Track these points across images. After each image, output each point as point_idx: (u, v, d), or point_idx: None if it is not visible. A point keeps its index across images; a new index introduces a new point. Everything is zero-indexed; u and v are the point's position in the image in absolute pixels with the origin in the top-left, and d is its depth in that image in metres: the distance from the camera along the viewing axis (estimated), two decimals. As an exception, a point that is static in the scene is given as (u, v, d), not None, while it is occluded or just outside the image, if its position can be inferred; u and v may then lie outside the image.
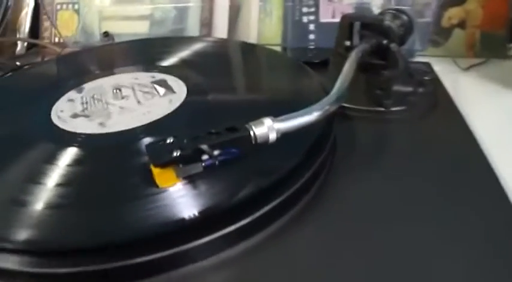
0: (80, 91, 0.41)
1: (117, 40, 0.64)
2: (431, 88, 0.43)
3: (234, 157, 0.27)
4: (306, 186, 0.30)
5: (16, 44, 0.70)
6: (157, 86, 0.40)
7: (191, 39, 0.53)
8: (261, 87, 0.40)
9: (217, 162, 0.26)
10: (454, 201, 0.30)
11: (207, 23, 0.67)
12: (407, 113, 0.40)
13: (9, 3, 0.70)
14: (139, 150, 0.31)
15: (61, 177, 0.30)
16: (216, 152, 0.26)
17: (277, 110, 0.29)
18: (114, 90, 0.39)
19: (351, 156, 0.35)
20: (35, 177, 0.30)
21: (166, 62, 0.44)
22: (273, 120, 0.28)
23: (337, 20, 0.43)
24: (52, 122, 0.36)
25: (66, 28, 0.72)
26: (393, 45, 0.40)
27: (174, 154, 0.25)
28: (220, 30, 0.67)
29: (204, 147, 0.25)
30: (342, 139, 0.36)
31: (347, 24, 0.43)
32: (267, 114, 0.28)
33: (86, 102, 0.39)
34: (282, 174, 0.29)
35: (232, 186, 0.28)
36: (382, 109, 0.40)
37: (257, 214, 0.27)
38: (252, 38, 0.66)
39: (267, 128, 0.27)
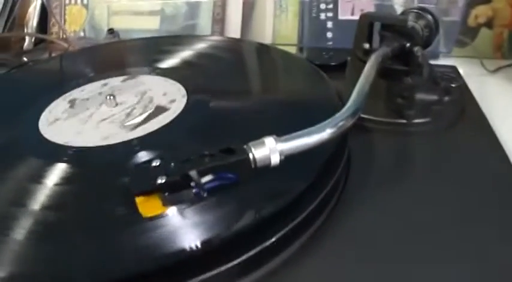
0: (73, 95, 0.38)
1: (126, 36, 0.61)
2: (458, 96, 0.39)
3: (231, 183, 0.23)
4: (317, 210, 0.27)
5: (24, 39, 0.68)
6: (156, 93, 0.36)
7: (198, 39, 0.50)
8: (269, 96, 0.36)
9: (204, 194, 0.22)
10: (484, 231, 0.26)
11: (219, 19, 0.63)
12: (432, 125, 0.36)
13: (17, -2, 0.68)
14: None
15: (47, 199, 0.27)
16: (206, 179, 0.23)
17: (285, 124, 0.26)
18: (108, 97, 0.35)
19: (367, 174, 0.31)
20: (17, 199, 0.27)
21: (168, 64, 0.41)
22: (276, 140, 0.24)
23: (357, 17, 0.40)
24: (39, 131, 0.34)
25: (75, 23, 0.69)
26: (417, 49, 0.36)
27: (159, 181, 0.22)
28: (234, 27, 0.63)
29: (193, 173, 0.22)
30: (357, 154, 0.32)
31: (366, 24, 0.39)
32: (273, 129, 0.25)
33: (77, 109, 0.36)
34: (289, 201, 0.25)
35: (231, 215, 0.24)
36: (404, 121, 0.36)
37: (259, 248, 0.24)
38: (267, 36, 0.62)
39: (268, 150, 0.24)
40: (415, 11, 0.41)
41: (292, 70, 0.40)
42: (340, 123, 0.26)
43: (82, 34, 0.68)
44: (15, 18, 0.69)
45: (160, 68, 0.40)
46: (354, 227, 0.27)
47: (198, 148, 0.28)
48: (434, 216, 0.28)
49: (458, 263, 0.25)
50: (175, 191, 0.22)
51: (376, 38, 0.39)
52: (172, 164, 0.23)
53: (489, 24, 0.56)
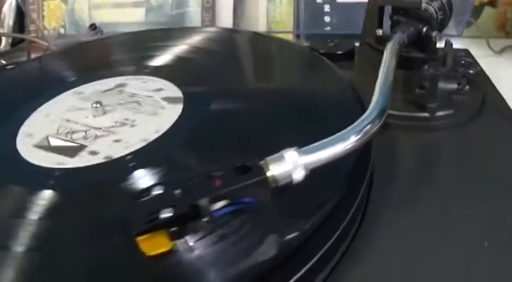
0: (54, 105, 0.34)
1: (110, 31, 0.57)
2: (478, 83, 0.36)
3: (247, 208, 0.20)
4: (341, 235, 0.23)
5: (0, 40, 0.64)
6: (147, 98, 0.32)
7: (188, 31, 0.45)
8: (275, 95, 0.32)
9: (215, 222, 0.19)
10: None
11: (209, 7, 0.59)
12: (455, 117, 0.33)
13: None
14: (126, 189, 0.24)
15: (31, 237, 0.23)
16: (219, 205, 0.19)
17: (299, 125, 0.23)
18: (95, 104, 0.31)
19: (392, 179, 0.28)
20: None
21: (159, 62, 0.36)
22: (298, 153, 0.21)
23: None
24: (18, 152, 0.29)
25: (54, 19, 0.64)
26: (435, 34, 0.33)
27: (163, 215, 0.18)
28: (225, 14, 0.59)
29: (204, 203, 0.18)
30: (378, 155, 0.29)
31: (375, 8, 0.36)
32: (284, 136, 0.21)
33: (60, 123, 0.31)
34: (310, 231, 0.22)
35: (247, 251, 0.21)
36: (425, 114, 0.32)
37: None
38: (261, 23, 0.59)
39: (290, 165, 0.20)
40: (428, -9, 0.37)
41: (298, 63, 0.36)
42: (367, 127, 0.23)
43: (62, 31, 0.64)
44: (-12, 17, 0.64)
45: (151, 67, 0.36)
46: (380, 240, 0.24)
47: (200, 161, 0.25)
48: (476, 229, 0.25)
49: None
50: (183, 223, 0.19)
51: (387, 23, 0.36)
52: (176, 191, 0.19)
53: (493, 2, 0.54)
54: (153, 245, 0.19)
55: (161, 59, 0.37)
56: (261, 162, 0.20)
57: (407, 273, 0.23)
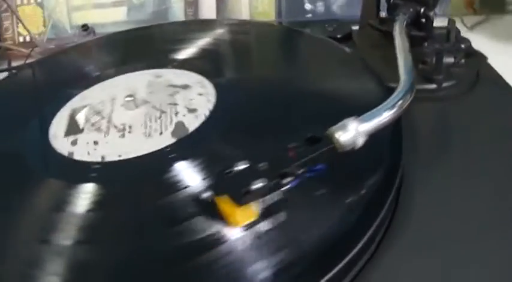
0: (81, 101, 0.34)
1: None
2: (472, 56, 0.39)
3: (319, 174, 0.22)
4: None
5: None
6: (179, 89, 0.33)
7: (205, 24, 0.46)
8: (304, 81, 0.33)
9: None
10: None
11: (192, 2, 0.61)
12: (457, 87, 0.36)
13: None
14: (175, 179, 0.25)
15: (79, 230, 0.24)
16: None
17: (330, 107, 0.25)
18: (127, 98, 0.32)
19: (421, 149, 0.30)
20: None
21: (183, 55, 0.37)
22: (358, 121, 0.23)
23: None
24: (54, 149, 0.29)
25: (31, 25, 0.63)
26: (432, 14, 0.36)
27: (258, 186, 0.20)
28: (208, 7, 0.61)
29: (289, 170, 0.20)
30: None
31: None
32: (318, 115, 0.25)
33: (91, 117, 0.32)
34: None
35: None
36: (434, 86, 0.35)
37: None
38: (244, 15, 0.60)
39: (353, 133, 0.22)
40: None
41: (313, 49, 0.38)
42: (408, 95, 0.25)
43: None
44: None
45: (176, 60, 0.37)
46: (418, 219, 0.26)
47: (246, 147, 0.26)
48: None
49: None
50: (266, 194, 0.21)
51: (384, 5, 0.38)
52: (261, 164, 0.21)
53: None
54: (243, 216, 0.21)
55: (188, 52, 0.38)
56: (327, 132, 0.23)
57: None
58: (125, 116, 0.31)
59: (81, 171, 0.27)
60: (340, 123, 0.23)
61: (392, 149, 0.27)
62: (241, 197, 0.20)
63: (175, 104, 0.31)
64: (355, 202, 0.24)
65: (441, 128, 0.33)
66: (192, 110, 0.30)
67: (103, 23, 0.61)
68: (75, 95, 0.34)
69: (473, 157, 0.30)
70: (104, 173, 0.27)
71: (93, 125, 0.31)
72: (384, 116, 0.24)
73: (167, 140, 0.28)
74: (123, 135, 0.29)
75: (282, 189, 0.21)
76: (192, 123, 0.29)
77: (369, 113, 0.24)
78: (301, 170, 0.21)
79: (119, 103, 0.33)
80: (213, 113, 0.30)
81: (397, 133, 0.28)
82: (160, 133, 0.29)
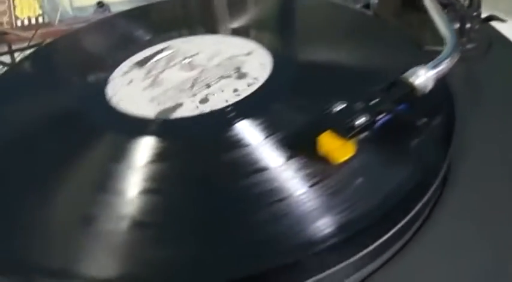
0: (141, 63, 0.36)
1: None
2: (483, 22, 0.43)
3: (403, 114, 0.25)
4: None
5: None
6: (234, 54, 0.35)
7: None
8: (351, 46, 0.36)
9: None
10: None
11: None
12: (477, 49, 0.40)
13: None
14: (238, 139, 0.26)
15: (143, 181, 0.25)
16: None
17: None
18: (184, 60, 0.34)
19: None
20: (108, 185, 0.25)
21: (239, 23, 0.39)
22: (426, 68, 0.26)
23: None
24: (112, 106, 0.31)
25: (27, 8, 0.63)
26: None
27: (361, 121, 0.23)
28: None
29: (384, 106, 0.23)
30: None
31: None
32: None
33: (152, 76, 0.34)
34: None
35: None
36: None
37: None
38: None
39: (424, 77, 0.26)
40: None
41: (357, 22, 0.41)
42: (460, 47, 0.29)
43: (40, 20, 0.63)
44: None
45: (231, 28, 0.39)
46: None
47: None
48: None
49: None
50: (368, 129, 0.23)
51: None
52: (358, 103, 0.24)
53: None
54: (342, 152, 0.23)
55: (242, 20, 0.40)
56: (401, 78, 0.26)
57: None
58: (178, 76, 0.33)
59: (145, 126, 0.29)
60: (411, 70, 0.26)
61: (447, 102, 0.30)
62: (347, 132, 0.23)
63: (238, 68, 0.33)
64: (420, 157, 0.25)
65: (472, 84, 0.36)
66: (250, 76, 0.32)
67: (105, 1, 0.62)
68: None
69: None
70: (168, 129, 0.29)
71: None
72: (444, 65, 0.27)
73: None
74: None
75: (378, 123, 0.24)
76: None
77: (431, 62, 0.27)
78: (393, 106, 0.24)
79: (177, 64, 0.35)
80: (270, 79, 0.31)
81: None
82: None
